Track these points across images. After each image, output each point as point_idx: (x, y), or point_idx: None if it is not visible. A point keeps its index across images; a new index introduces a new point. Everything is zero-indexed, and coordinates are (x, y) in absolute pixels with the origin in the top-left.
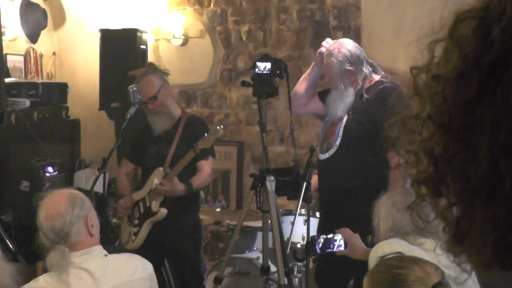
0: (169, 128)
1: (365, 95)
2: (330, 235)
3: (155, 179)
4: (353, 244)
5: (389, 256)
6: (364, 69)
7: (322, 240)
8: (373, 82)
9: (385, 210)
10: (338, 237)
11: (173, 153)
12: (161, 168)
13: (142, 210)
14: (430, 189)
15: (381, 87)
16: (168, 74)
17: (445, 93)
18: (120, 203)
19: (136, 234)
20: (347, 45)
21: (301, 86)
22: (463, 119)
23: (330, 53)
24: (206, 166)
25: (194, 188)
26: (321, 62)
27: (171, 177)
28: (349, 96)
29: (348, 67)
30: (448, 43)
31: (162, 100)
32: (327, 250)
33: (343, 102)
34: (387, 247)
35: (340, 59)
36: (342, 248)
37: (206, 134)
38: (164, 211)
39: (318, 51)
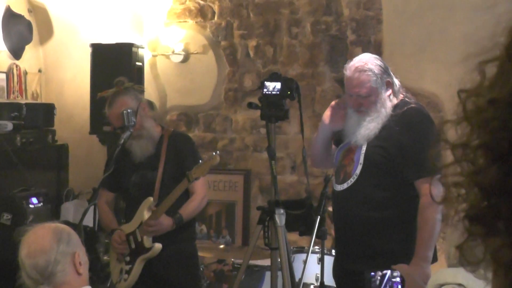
0: (151, 153)
1: (391, 112)
2: (386, 272)
3: (145, 211)
4: (411, 282)
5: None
6: (394, 79)
7: (379, 278)
8: (399, 101)
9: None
10: (396, 273)
11: (161, 178)
12: (151, 198)
13: (133, 246)
14: (483, 227)
15: (405, 108)
16: (143, 91)
17: (503, 119)
18: (115, 239)
19: (128, 272)
20: (372, 58)
21: (315, 148)
22: None
23: (361, 68)
24: (199, 187)
25: (184, 219)
26: (333, 115)
27: (157, 214)
28: (386, 113)
29: (386, 78)
30: (505, 63)
31: (140, 122)
32: None
33: (377, 122)
34: (450, 276)
35: (375, 71)
36: (399, 287)
37: (200, 161)
38: (158, 246)
39: (330, 106)
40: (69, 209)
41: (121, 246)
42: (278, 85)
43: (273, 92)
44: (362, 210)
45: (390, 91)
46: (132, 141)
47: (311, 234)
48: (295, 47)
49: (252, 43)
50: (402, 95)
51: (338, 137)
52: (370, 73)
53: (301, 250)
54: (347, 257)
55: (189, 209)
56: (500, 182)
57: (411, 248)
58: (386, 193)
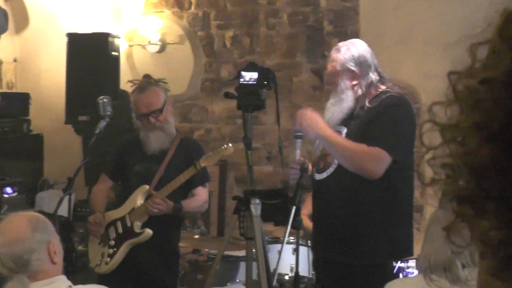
0: (166, 147)
1: (367, 104)
2: (403, 262)
3: (138, 198)
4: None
5: None
6: (370, 74)
7: (396, 267)
8: (379, 92)
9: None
10: (411, 264)
11: (162, 174)
12: (147, 186)
13: (120, 230)
14: (472, 208)
15: (384, 96)
16: (169, 90)
17: (495, 98)
18: (90, 220)
19: (111, 255)
20: (358, 45)
21: None
22: None
23: (337, 49)
24: (201, 192)
25: (183, 209)
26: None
27: (158, 196)
28: (348, 101)
29: (351, 67)
30: (498, 43)
31: (165, 116)
32: None
33: (340, 107)
34: (400, 286)
35: (346, 56)
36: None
37: (210, 153)
38: (148, 232)
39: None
40: (44, 199)
41: (94, 227)
42: (254, 75)
43: (249, 82)
44: (342, 199)
45: (355, 82)
46: (150, 132)
47: (286, 224)
48: (272, 37)
49: (229, 33)
50: (383, 87)
51: None
52: (339, 55)
53: (276, 240)
54: (326, 247)
55: (190, 204)
56: (492, 163)
57: (393, 236)
58: (365, 181)
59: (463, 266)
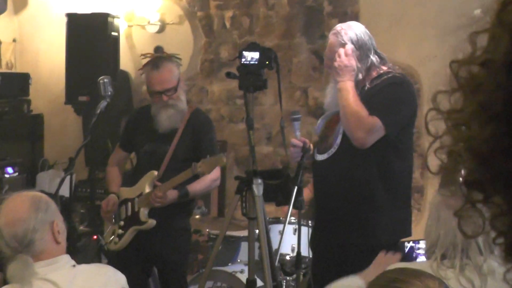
0: (177, 126)
1: (368, 85)
2: (414, 243)
3: (147, 184)
4: None
5: (391, 268)
6: (371, 57)
7: (408, 246)
8: (380, 73)
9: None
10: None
11: (171, 155)
12: (155, 172)
13: (129, 213)
14: (481, 192)
15: (385, 77)
16: (181, 65)
17: (497, 79)
18: (103, 206)
19: (120, 236)
20: (356, 28)
21: None
22: None
23: (336, 32)
24: (215, 172)
25: (190, 195)
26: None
27: (163, 189)
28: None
29: (361, 45)
30: (496, 27)
31: (177, 94)
32: None
33: (335, 89)
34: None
35: (345, 40)
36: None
37: (208, 156)
38: (152, 222)
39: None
40: (44, 179)
41: (107, 214)
42: (256, 55)
43: (251, 62)
44: (343, 180)
45: (358, 63)
46: (162, 109)
47: (288, 204)
48: (271, 18)
49: (229, 14)
50: (387, 67)
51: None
52: (336, 38)
53: (277, 220)
54: (328, 227)
55: (197, 187)
56: (496, 144)
57: (393, 216)
58: (366, 163)
59: (480, 252)
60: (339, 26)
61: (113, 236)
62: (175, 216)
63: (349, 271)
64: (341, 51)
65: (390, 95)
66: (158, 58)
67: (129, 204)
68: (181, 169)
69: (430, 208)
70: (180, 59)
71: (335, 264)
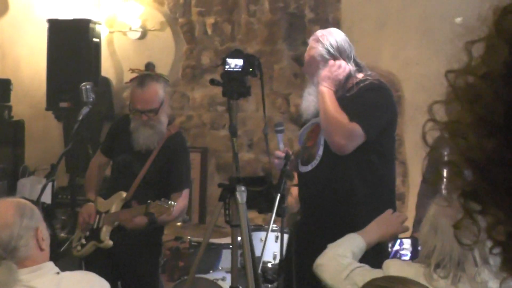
0: (153, 147)
1: (346, 94)
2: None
3: (114, 204)
4: None
5: (379, 276)
6: (349, 65)
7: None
8: (356, 81)
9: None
10: (406, 246)
11: (143, 177)
12: (124, 194)
13: (95, 226)
14: (478, 203)
15: (362, 84)
16: (168, 86)
17: (496, 91)
18: (83, 215)
19: (82, 246)
20: (336, 35)
21: None
22: None
23: (316, 38)
24: (179, 199)
25: (157, 223)
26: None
27: (116, 218)
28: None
29: (329, 57)
30: (494, 38)
31: (159, 115)
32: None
33: (317, 96)
34: (398, 269)
35: (325, 45)
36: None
37: (162, 202)
38: (108, 243)
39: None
40: (25, 186)
41: (84, 225)
42: (240, 62)
43: (235, 69)
44: (327, 190)
45: (338, 69)
46: (140, 127)
47: (271, 211)
48: (253, 24)
49: (210, 20)
50: (361, 75)
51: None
52: (318, 44)
53: (259, 228)
54: (313, 237)
55: (165, 218)
56: (495, 156)
57: None
58: (350, 171)
59: (475, 263)
60: (319, 32)
61: (78, 243)
62: (146, 233)
63: None
64: (332, 62)
65: (368, 100)
66: (145, 76)
67: (97, 217)
68: (150, 192)
69: (427, 216)
70: (168, 80)
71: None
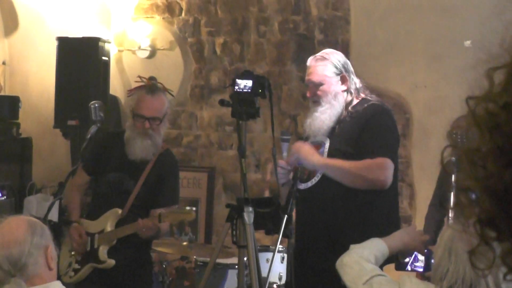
0: (149, 158)
1: (351, 110)
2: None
3: (109, 221)
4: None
5: None
6: (355, 80)
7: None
8: (359, 100)
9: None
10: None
11: (137, 193)
12: (119, 211)
13: (88, 248)
14: (494, 231)
15: (366, 105)
16: (171, 102)
17: None
18: (74, 236)
19: (76, 271)
20: (338, 53)
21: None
22: None
23: (320, 58)
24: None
25: (160, 234)
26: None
27: (152, 221)
28: (339, 107)
29: (343, 73)
30: None
31: (161, 127)
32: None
33: (330, 114)
34: (412, 287)
35: (334, 63)
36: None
37: (175, 209)
38: (111, 262)
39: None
40: (32, 203)
41: (80, 246)
42: (249, 82)
43: (244, 90)
44: (329, 208)
45: (345, 87)
46: (139, 136)
47: (277, 232)
48: (262, 45)
49: (220, 40)
50: (363, 95)
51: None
52: (326, 62)
53: (266, 249)
54: (313, 255)
55: (164, 227)
56: None
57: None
58: (351, 189)
59: None
60: (320, 53)
61: (68, 269)
62: (137, 253)
63: (330, 276)
64: (299, 147)
65: (380, 127)
66: (155, 85)
67: (89, 239)
68: (143, 209)
69: (441, 239)
70: (173, 95)
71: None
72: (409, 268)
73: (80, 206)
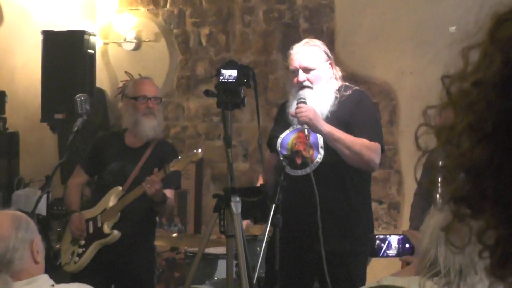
0: (154, 136)
1: (336, 95)
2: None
3: (111, 198)
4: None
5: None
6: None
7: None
8: (342, 86)
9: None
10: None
11: (137, 174)
12: (120, 188)
13: (91, 230)
14: (469, 208)
15: (350, 90)
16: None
17: (488, 99)
18: (75, 222)
19: (80, 255)
20: (320, 42)
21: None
22: (510, 126)
23: (310, 43)
24: (171, 195)
25: (167, 203)
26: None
27: (158, 177)
28: (332, 91)
29: (330, 60)
30: (489, 46)
31: (160, 108)
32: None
33: (325, 99)
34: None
35: (323, 49)
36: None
37: (180, 156)
38: (116, 234)
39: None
40: (20, 197)
41: (79, 232)
42: (234, 72)
43: (229, 80)
44: (329, 193)
45: (333, 73)
46: (143, 117)
47: (265, 221)
48: (248, 35)
49: (205, 31)
50: (342, 82)
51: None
52: (315, 48)
53: (254, 238)
54: (305, 240)
55: (171, 198)
56: (486, 163)
57: (368, 215)
58: (348, 174)
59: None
60: (304, 41)
61: (71, 256)
62: (140, 235)
63: (313, 264)
64: (307, 109)
65: (368, 113)
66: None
67: (90, 223)
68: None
69: (426, 227)
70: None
71: (312, 273)
72: (382, 254)
73: (78, 202)
